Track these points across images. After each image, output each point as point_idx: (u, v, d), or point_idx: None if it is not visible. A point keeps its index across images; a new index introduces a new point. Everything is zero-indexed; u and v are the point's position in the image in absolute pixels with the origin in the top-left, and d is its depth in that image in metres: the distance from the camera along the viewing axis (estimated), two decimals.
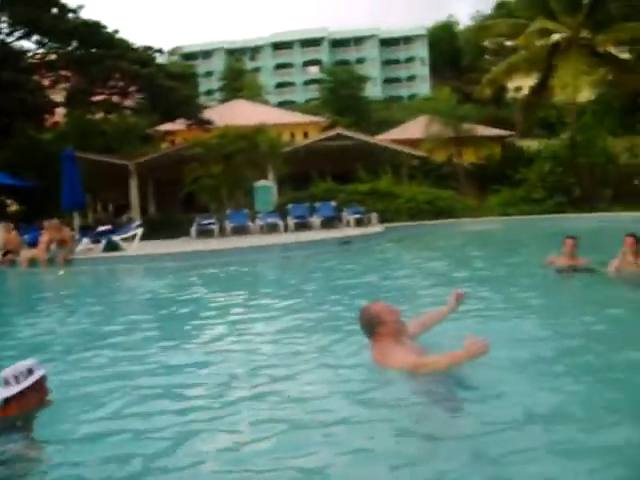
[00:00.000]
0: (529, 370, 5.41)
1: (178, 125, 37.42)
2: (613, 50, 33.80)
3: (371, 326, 5.36)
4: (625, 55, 34.00)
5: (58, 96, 33.74)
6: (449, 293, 6.22)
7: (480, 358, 4.68)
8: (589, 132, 30.18)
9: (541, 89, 34.09)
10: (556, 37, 33.24)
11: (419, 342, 5.60)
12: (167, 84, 31.62)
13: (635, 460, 3.73)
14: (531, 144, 36.45)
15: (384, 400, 4.84)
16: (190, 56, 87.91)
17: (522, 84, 47.04)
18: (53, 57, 31.85)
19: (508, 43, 51.90)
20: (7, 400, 4.56)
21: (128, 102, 35.64)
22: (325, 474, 3.78)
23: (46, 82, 32.82)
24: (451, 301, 6.07)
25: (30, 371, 4.63)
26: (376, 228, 24.78)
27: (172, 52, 64.35)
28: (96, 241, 20.32)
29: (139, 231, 20.82)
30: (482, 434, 4.13)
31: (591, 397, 4.79)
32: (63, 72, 32.62)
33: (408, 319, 5.84)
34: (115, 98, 34.84)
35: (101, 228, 21.86)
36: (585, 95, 37.26)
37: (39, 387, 4.71)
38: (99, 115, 36.85)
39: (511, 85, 53.26)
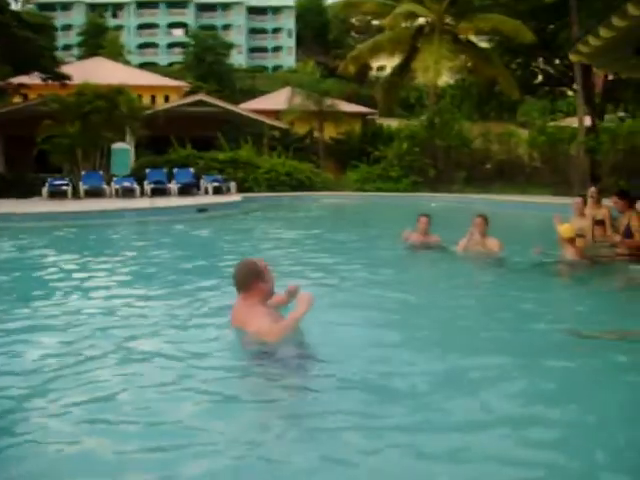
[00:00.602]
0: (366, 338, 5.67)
1: (33, 79, 35.70)
2: (474, 39, 34.98)
3: (250, 277, 5.20)
4: (485, 44, 35.31)
5: None
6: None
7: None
8: (447, 115, 31.29)
9: (403, 70, 34.86)
10: (421, 21, 34.06)
11: None
12: (22, 34, 30.03)
13: None
14: (391, 123, 37.40)
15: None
16: (47, 6, 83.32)
17: (385, 64, 48.04)
18: None
19: (375, 22, 52.76)
20: None
21: None
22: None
23: None
24: (284, 296, 5.85)
25: None
26: (234, 197, 24.74)
27: (27, 0, 61.10)
28: None
29: None
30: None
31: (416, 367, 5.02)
32: None
33: None
34: None
35: None
36: (445, 79, 38.52)
37: None
38: None
39: (375, 64, 54.19)
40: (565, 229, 9.21)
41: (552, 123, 32.45)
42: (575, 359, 5.18)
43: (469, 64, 34.99)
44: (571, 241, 9.11)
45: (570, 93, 36.88)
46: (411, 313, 6.88)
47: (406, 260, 10.63)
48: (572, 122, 31.29)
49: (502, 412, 4.09)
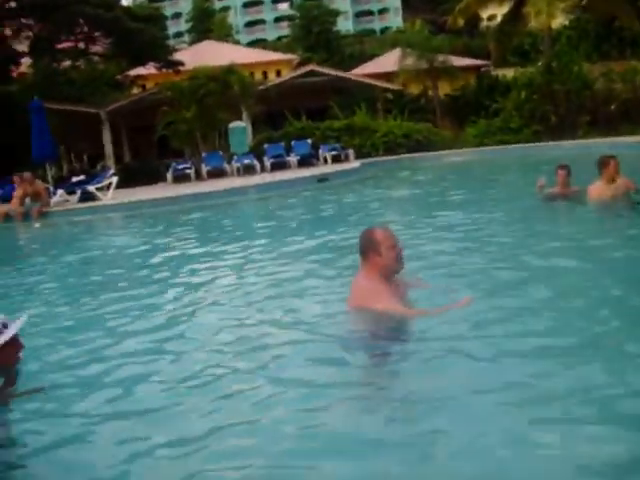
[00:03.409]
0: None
1: (148, 69, 36.68)
2: None
3: (366, 249, 4.98)
4: None
5: (22, 46, 32.85)
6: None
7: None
8: (564, 58, 29.87)
9: (514, 17, 33.59)
10: None
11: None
12: (133, 27, 30.84)
13: None
14: (507, 73, 36.15)
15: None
16: None
17: (495, 12, 46.47)
18: (13, 4, 30.91)
19: None
20: None
21: (95, 48, 34.79)
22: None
23: (8, 32, 31.91)
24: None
25: (5, 325, 4.52)
26: (353, 164, 24.66)
27: None
28: (71, 192, 20.04)
29: (114, 179, 20.59)
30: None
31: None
32: (25, 20, 31.68)
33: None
34: (81, 45, 33.99)
35: (75, 179, 21.60)
36: (559, 21, 36.83)
37: (15, 341, 4.61)
38: (66, 64, 35.99)
39: (484, 14, 52.59)
40: None
41: None
42: None
43: (583, 2, 33.30)
44: None
45: None
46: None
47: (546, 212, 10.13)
48: None
49: None
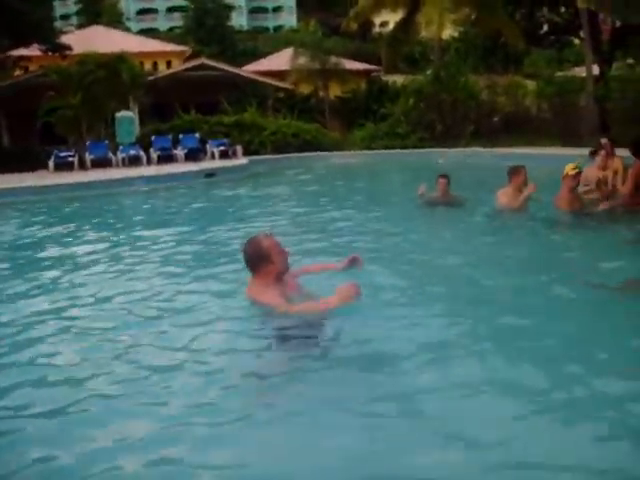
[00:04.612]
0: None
1: (32, 51, 35.36)
2: None
3: (257, 260, 5.04)
4: None
5: None
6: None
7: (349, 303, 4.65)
8: (452, 69, 30.81)
9: (407, 25, 34.25)
10: None
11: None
12: (18, 5, 29.66)
13: None
14: (396, 79, 36.91)
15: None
16: None
17: (388, 19, 47.30)
18: None
19: None
20: None
21: None
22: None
23: None
24: (346, 262, 5.92)
25: None
26: (241, 160, 24.60)
27: None
28: None
29: None
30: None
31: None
32: None
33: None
34: None
35: None
36: (449, 33, 37.88)
37: None
38: None
39: (377, 20, 53.43)
40: (569, 166, 8.99)
41: (560, 73, 31.95)
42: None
43: (473, 16, 34.35)
44: (569, 179, 8.90)
45: (577, 42, 36.23)
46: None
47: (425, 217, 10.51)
48: (580, 72, 30.72)
49: None
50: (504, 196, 9.54)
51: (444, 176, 10.80)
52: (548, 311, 5.21)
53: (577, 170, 8.90)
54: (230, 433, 3.48)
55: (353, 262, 5.95)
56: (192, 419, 3.62)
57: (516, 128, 28.60)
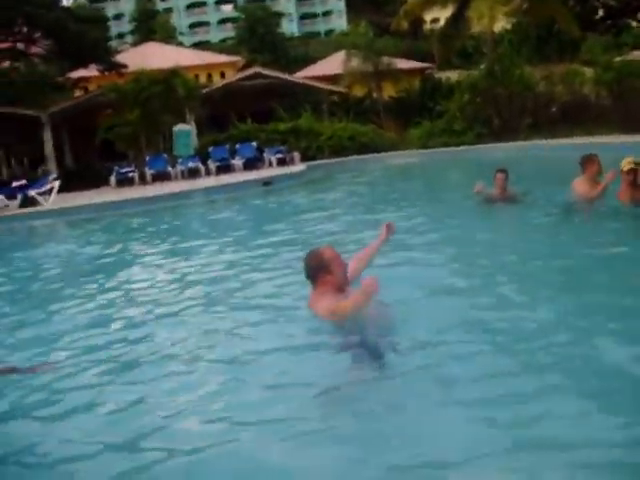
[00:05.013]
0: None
1: (90, 71, 36.18)
2: None
3: (317, 270, 5.12)
4: None
5: None
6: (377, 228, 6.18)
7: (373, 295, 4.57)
8: (506, 62, 30.30)
9: (458, 20, 33.92)
10: None
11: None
12: (75, 28, 30.41)
13: None
14: (450, 75, 36.53)
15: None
16: None
17: (439, 15, 46.95)
18: None
19: None
20: None
21: (35, 49, 34.18)
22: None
23: None
24: (382, 234, 5.90)
25: None
26: (298, 167, 24.66)
27: None
28: (11, 197, 19.64)
29: (56, 184, 20.24)
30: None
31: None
32: None
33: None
34: (20, 45, 33.35)
35: (16, 183, 21.15)
36: (501, 25, 37.36)
37: None
38: (5, 64, 35.26)
39: (428, 17, 53.07)
40: (624, 160, 8.66)
41: (618, 58, 31.16)
42: None
43: (524, 6, 33.79)
44: (624, 174, 8.59)
45: (634, 24, 35.35)
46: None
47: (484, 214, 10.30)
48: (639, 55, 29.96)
49: None
50: (581, 186, 9.21)
51: (502, 171, 10.28)
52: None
53: (631, 166, 8.57)
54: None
55: (389, 230, 5.87)
56: (256, 431, 3.62)
57: (575, 118, 27.97)
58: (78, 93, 39.20)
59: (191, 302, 6.56)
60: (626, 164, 8.50)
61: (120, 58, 35.57)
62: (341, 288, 5.14)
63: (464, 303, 5.48)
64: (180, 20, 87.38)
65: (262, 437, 3.58)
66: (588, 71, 30.72)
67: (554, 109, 29.83)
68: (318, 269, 5.12)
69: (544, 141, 25.01)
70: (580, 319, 4.87)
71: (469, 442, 3.28)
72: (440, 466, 3.15)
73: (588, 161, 9.20)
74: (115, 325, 6.09)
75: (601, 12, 34.53)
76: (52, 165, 30.68)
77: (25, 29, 31.70)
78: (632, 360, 3.99)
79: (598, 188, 8.80)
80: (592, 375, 3.89)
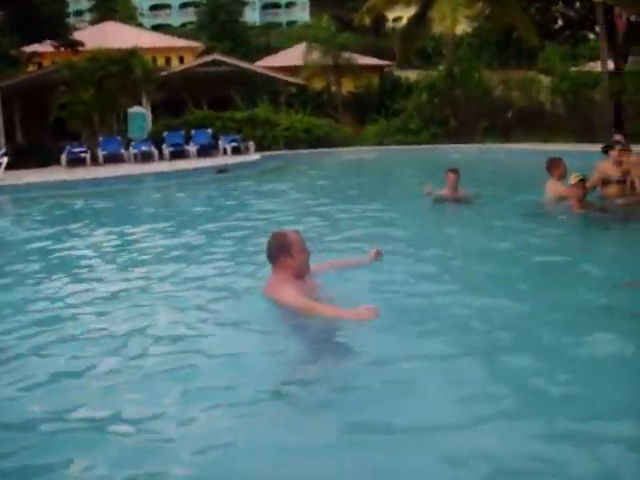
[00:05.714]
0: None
1: (45, 47, 35.42)
2: None
3: (278, 252, 5.09)
4: None
5: None
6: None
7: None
8: (465, 64, 30.65)
9: (420, 20, 34.06)
10: None
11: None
12: (32, 1, 29.72)
13: None
14: (409, 75, 36.75)
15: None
16: None
17: (402, 14, 47.09)
18: None
19: None
20: None
21: None
22: None
23: None
24: (369, 256, 6.07)
25: None
26: (253, 156, 24.59)
27: None
28: None
29: (4, 160, 19.85)
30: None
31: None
32: None
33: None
34: None
35: None
36: (462, 28, 37.66)
37: None
38: None
39: (390, 15, 53.20)
40: (572, 176, 8.88)
41: (574, 68, 31.69)
42: None
43: (486, 11, 34.13)
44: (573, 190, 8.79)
45: (592, 37, 35.92)
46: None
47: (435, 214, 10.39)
48: (595, 67, 30.45)
49: None
50: (554, 186, 9.43)
51: (454, 170, 10.37)
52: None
53: (579, 178, 8.75)
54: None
55: (377, 256, 6.10)
56: (208, 419, 3.60)
57: (530, 124, 28.36)
58: (32, 68, 38.39)
59: (133, 284, 6.47)
60: (573, 178, 8.74)
61: (77, 35, 34.83)
62: (300, 275, 5.14)
63: (402, 298, 5.50)
64: (141, 1, 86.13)
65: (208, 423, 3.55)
66: (545, 79, 31.25)
67: (510, 114, 30.25)
68: (280, 250, 5.10)
69: (500, 145, 25.30)
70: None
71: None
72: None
73: (553, 165, 9.49)
74: (50, 304, 5.97)
75: (560, 22, 35.02)
76: (1, 140, 30.01)
77: None
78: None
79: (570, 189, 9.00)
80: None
